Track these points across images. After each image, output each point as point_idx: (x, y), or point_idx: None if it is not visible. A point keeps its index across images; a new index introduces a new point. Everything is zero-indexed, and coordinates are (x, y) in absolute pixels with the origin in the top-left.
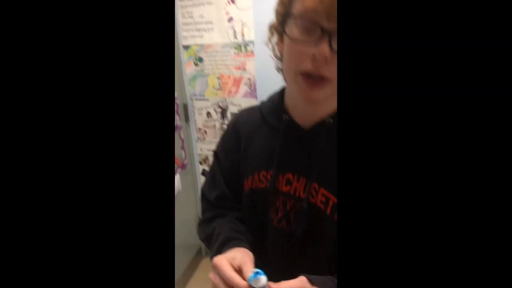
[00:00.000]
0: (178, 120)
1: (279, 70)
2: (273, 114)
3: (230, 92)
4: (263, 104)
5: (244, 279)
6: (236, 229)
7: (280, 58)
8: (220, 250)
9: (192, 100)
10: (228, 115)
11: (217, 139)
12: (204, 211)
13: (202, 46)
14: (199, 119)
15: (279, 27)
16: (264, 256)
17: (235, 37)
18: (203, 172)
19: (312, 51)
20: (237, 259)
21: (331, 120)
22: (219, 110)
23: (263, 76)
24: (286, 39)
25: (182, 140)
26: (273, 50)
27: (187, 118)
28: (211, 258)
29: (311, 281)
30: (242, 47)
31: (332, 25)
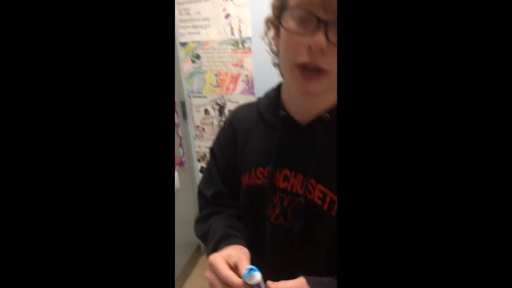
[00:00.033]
0: (176, 118)
1: (276, 65)
2: (270, 110)
3: (227, 89)
4: (259, 100)
5: (240, 276)
6: (232, 226)
7: (276, 53)
8: (216, 248)
9: (189, 97)
10: (226, 112)
11: (215, 137)
12: (201, 208)
13: (199, 43)
14: (197, 116)
15: (275, 21)
16: (261, 252)
17: (232, 33)
18: (201, 170)
19: (308, 42)
20: (232, 257)
21: (328, 116)
22: (216, 107)
23: (261, 73)
24: (282, 31)
25: (180, 138)
26: (270, 45)
27: (184, 116)
28: (208, 255)
29: (310, 283)
30: (240, 44)
31: (328, 15)
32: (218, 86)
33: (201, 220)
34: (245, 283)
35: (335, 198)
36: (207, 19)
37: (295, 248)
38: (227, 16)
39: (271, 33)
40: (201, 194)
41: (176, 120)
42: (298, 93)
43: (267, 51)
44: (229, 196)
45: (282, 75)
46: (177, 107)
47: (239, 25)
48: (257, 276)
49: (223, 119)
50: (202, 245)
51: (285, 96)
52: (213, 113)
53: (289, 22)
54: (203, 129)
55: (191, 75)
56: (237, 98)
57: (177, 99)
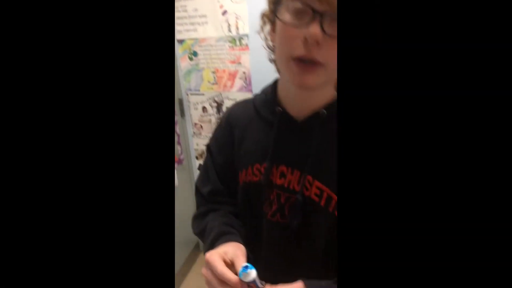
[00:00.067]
0: None
1: (272, 61)
2: (266, 106)
3: (225, 86)
4: (256, 97)
5: (236, 273)
6: (228, 223)
7: (272, 49)
8: (212, 245)
9: (187, 94)
10: (224, 109)
11: (211, 134)
12: (198, 205)
13: (196, 40)
14: (194, 113)
15: (271, 15)
16: (258, 249)
17: (230, 30)
18: (200, 167)
19: (303, 34)
20: (229, 253)
21: (325, 112)
22: (214, 104)
23: (258, 70)
24: (278, 25)
25: (178, 135)
26: (266, 40)
27: (182, 113)
28: (204, 252)
29: (308, 287)
30: (237, 41)
31: (323, 7)
32: (215, 83)
33: (198, 218)
34: (241, 281)
35: (332, 194)
36: (204, 16)
37: (292, 245)
38: (224, 12)
39: (267, 28)
40: (198, 192)
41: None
42: (294, 87)
43: (263, 46)
44: (226, 193)
45: (278, 70)
46: (175, 105)
47: (236, 21)
48: (253, 273)
49: (221, 116)
50: (201, 242)
51: (282, 92)
52: (211, 110)
53: (284, 14)
54: (201, 126)
55: (189, 72)
56: (235, 95)
57: (174, 96)
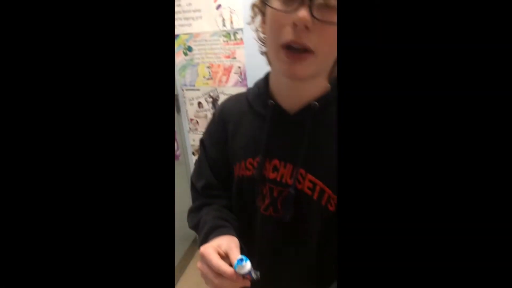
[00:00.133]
0: None
1: (263, 53)
2: (259, 100)
3: (220, 81)
4: (249, 90)
5: (231, 265)
6: (222, 217)
7: (264, 41)
8: (206, 239)
9: (182, 90)
10: None
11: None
12: (193, 200)
13: (191, 35)
14: (190, 109)
15: (261, 5)
16: (252, 243)
17: (224, 25)
18: None
19: (292, 19)
20: (223, 246)
21: (316, 104)
22: (210, 100)
23: (253, 64)
24: (268, 14)
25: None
26: (257, 31)
27: (178, 109)
28: (199, 246)
29: None
30: (231, 35)
31: None
32: (211, 78)
33: (193, 212)
34: (236, 273)
35: (325, 188)
36: (198, 10)
37: (285, 239)
38: (218, 7)
39: (258, 19)
40: (193, 186)
41: None
42: (286, 79)
43: (254, 39)
44: (220, 188)
45: (269, 62)
46: None
47: (231, 15)
48: (247, 265)
49: None
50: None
51: (274, 85)
52: (207, 106)
53: (274, 1)
54: (197, 122)
55: (184, 67)
56: (230, 91)
57: None
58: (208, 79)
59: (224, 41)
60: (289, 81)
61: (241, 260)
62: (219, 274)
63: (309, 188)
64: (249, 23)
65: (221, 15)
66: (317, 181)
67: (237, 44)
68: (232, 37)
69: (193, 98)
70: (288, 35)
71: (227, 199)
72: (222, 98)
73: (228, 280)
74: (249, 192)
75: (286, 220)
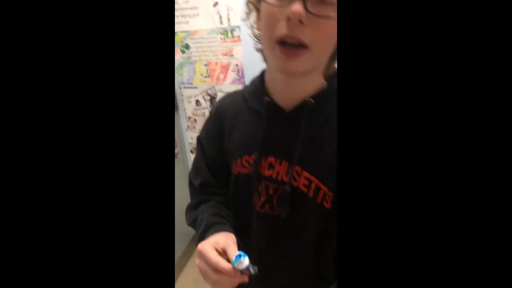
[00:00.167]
0: None
1: (259, 50)
2: (255, 97)
3: (218, 79)
4: (245, 88)
5: (228, 261)
6: (218, 214)
7: (259, 37)
8: (203, 236)
9: (180, 88)
10: None
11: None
12: (191, 197)
13: (188, 33)
14: (188, 107)
15: (256, 1)
16: (248, 240)
17: (221, 22)
18: None
19: (286, 14)
20: (220, 243)
21: (312, 101)
22: (207, 98)
23: (251, 62)
24: (262, 10)
25: None
26: (252, 28)
27: (176, 107)
28: (196, 244)
29: None
30: (229, 32)
31: None
32: (208, 76)
33: (191, 209)
34: (235, 268)
35: (321, 185)
36: (195, 7)
37: (281, 236)
38: (216, 4)
39: (253, 16)
40: (190, 184)
41: None
42: (281, 75)
43: (249, 35)
44: (217, 185)
45: (265, 59)
46: None
47: (228, 13)
48: (246, 261)
49: None
50: None
51: (269, 82)
52: (205, 104)
53: None
54: (195, 120)
55: (181, 65)
56: (228, 88)
57: None
58: (205, 77)
59: (221, 38)
60: (285, 77)
61: (240, 256)
62: (217, 270)
63: (304, 186)
64: (243, 20)
65: (218, 12)
66: (312, 178)
67: (235, 41)
68: (230, 35)
69: (191, 96)
70: (282, 29)
71: (224, 196)
72: (219, 96)
73: (227, 276)
74: (245, 189)
75: (282, 218)
